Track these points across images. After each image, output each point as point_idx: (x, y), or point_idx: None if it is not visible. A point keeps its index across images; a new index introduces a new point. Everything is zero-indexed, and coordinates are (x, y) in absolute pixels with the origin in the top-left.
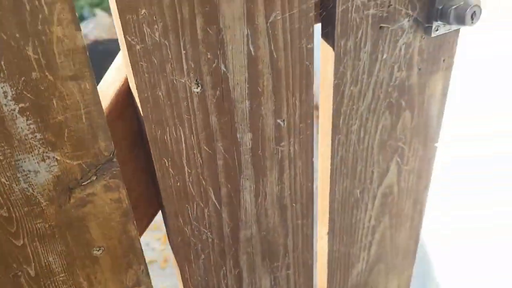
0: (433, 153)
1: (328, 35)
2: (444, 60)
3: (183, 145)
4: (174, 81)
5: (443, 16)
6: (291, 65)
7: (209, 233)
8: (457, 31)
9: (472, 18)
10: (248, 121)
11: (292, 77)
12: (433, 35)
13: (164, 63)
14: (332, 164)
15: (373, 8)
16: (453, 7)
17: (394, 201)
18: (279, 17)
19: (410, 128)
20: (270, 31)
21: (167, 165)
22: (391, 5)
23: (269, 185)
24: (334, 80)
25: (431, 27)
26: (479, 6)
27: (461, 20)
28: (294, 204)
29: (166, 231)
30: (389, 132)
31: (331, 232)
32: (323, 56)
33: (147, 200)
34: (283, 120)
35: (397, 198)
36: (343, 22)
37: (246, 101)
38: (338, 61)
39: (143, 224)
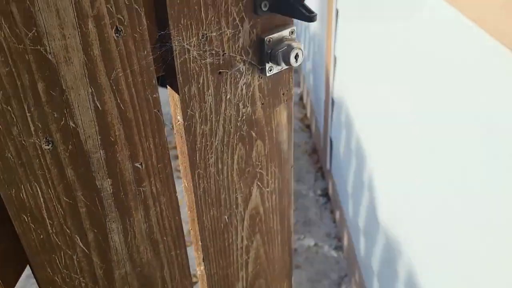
0: (290, 173)
1: (172, 84)
2: (283, 94)
3: (41, 199)
4: (23, 142)
5: (272, 59)
6: (140, 114)
7: (81, 278)
8: (290, 69)
9: (296, 58)
10: (105, 168)
11: (143, 124)
12: (268, 74)
13: (10, 126)
14: (196, 196)
15: (209, 57)
16: (279, 50)
17: (262, 220)
18: (120, 74)
19: (265, 155)
20: (114, 87)
21: (27, 220)
22: (225, 53)
23: (137, 223)
24: (184, 122)
25: (265, 68)
26: (300, 49)
27: (287, 61)
28: (165, 238)
29: (37, 283)
30: (246, 160)
31: (206, 258)
32: (172, 101)
33: (13, 255)
34: (141, 163)
35: (264, 217)
36: (183, 72)
37: (101, 151)
38: (184, 105)
39: (13, 280)
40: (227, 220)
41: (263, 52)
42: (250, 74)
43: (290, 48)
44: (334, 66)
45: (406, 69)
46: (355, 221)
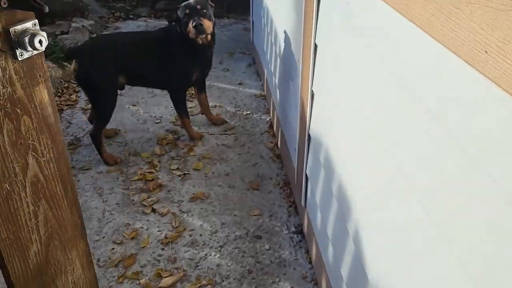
0: (63, 144)
1: None
2: (40, 75)
3: None
4: None
5: (21, 45)
6: None
7: None
8: (40, 54)
9: (40, 43)
10: None
11: None
12: (20, 59)
13: None
14: None
15: None
16: (25, 38)
17: (45, 187)
18: None
19: (34, 128)
20: None
21: None
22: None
23: None
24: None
25: (16, 53)
26: (43, 36)
27: (33, 46)
28: None
29: None
30: (16, 133)
31: None
32: None
33: None
34: None
35: (46, 184)
36: None
37: None
38: None
39: None
40: (8, 188)
41: (11, 41)
42: (4, 59)
43: (34, 36)
44: (312, 101)
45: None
46: (335, 264)
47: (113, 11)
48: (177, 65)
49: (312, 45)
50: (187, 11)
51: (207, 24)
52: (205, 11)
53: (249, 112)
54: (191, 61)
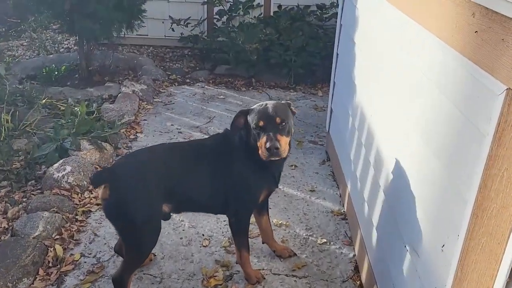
0: None
1: None
2: None
3: None
4: None
5: None
6: None
7: None
8: None
9: None
10: None
11: None
12: None
13: None
14: None
15: None
16: None
17: None
18: None
19: None
20: None
21: None
22: None
23: None
24: None
25: None
26: None
27: None
28: None
29: None
30: None
31: None
32: None
33: None
34: None
35: None
36: None
37: None
38: None
39: None
40: None
41: None
42: None
43: None
44: None
45: None
46: None
47: (169, 73)
48: (240, 182)
49: None
50: (262, 123)
51: (284, 146)
52: (284, 124)
53: (325, 240)
54: (258, 177)
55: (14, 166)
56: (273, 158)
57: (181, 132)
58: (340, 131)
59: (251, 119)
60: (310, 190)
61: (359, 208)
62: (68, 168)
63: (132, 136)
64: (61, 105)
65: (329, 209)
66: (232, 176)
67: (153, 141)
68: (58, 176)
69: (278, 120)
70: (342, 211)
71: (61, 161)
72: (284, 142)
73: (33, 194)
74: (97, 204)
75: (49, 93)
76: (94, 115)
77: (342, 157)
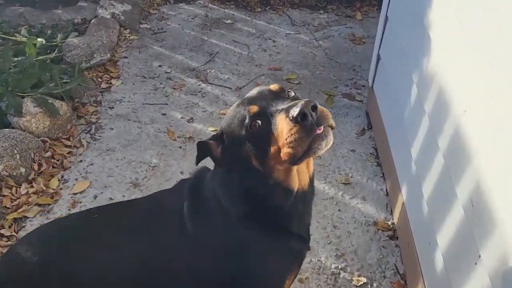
0: None
1: None
2: None
3: None
4: None
5: None
6: None
7: None
8: None
9: None
10: None
11: None
12: None
13: None
14: None
15: None
16: None
17: None
18: None
19: None
20: None
21: None
22: None
23: None
24: None
25: None
26: None
27: None
28: None
29: None
30: None
31: None
32: None
33: None
34: None
35: None
36: None
37: None
38: None
39: None
40: None
41: None
42: None
43: None
44: None
45: None
46: None
47: None
48: (246, 268)
49: None
50: (256, 107)
51: (322, 110)
52: (290, 93)
53: (364, 280)
54: (278, 253)
55: None
56: (312, 150)
57: (170, 79)
58: (392, 95)
59: (232, 128)
60: (344, 183)
61: (421, 225)
62: None
63: (104, 85)
64: (17, 36)
65: (371, 219)
66: (225, 264)
67: (132, 93)
68: None
69: (277, 88)
70: (390, 223)
71: None
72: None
73: None
74: (39, 205)
75: (6, 16)
76: (54, 54)
77: (393, 135)
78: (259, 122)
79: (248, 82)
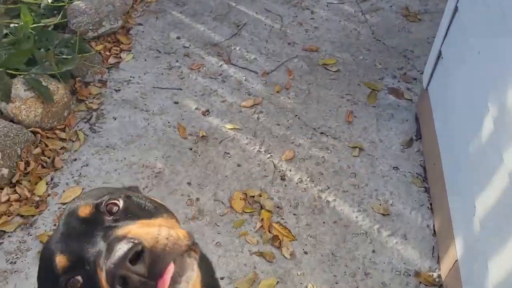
0: None
1: None
2: None
3: None
4: None
5: None
6: None
7: None
8: None
9: None
10: None
11: None
12: None
13: None
14: None
15: None
16: None
17: None
18: None
19: None
20: None
21: None
22: None
23: None
24: None
25: None
26: None
27: None
28: None
29: None
30: None
31: None
32: None
33: None
34: None
35: None
36: None
37: None
38: None
39: None
40: None
41: None
42: None
43: None
44: None
45: None
46: None
47: None
48: None
49: None
50: (64, 262)
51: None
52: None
53: None
54: None
55: None
56: None
57: (188, 56)
58: (454, 108)
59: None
60: (381, 213)
61: None
62: None
63: (112, 60)
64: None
65: (412, 267)
66: None
67: (143, 71)
68: None
69: (89, 212)
70: (435, 276)
71: None
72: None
73: None
74: (21, 216)
75: None
76: (57, 19)
77: (449, 160)
78: (79, 279)
79: (277, 66)
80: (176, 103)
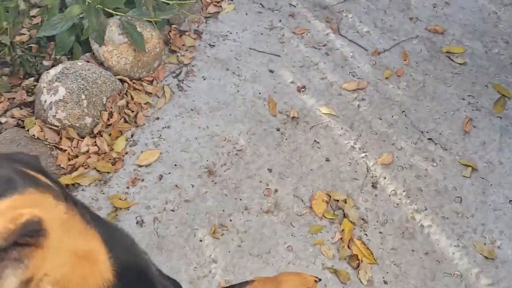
0: None
1: None
2: None
3: None
4: None
5: None
6: None
7: None
8: None
9: None
10: None
11: None
12: None
13: None
14: None
15: None
16: None
17: None
18: None
19: None
20: None
21: None
22: None
23: None
24: None
25: None
26: None
27: None
28: None
29: None
30: None
31: None
32: None
33: None
34: None
35: None
36: None
37: None
38: None
39: None
40: None
41: None
42: None
43: None
44: None
45: None
46: None
47: None
48: None
49: None
50: None
51: None
52: None
53: None
54: None
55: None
56: None
57: (293, 16)
58: None
59: None
60: (485, 256)
61: None
62: (61, 92)
63: (212, 8)
64: None
65: None
66: None
67: (242, 28)
68: (46, 102)
69: None
70: None
71: (55, 70)
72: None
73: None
74: (97, 171)
75: None
76: None
77: None
78: None
79: (392, 46)
80: (271, 71)
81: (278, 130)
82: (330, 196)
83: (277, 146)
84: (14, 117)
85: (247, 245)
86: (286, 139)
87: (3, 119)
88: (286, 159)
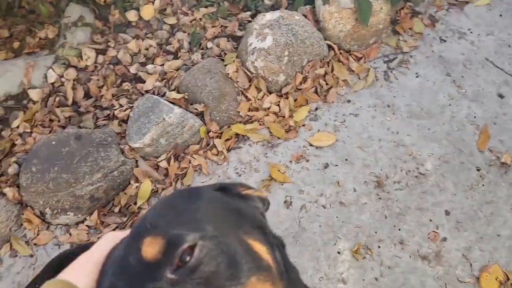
0: None
1: None
2: None
3: None
4: None
5: None
6: None
7: None
8: None
9: None
10: None
11: None
12: None
13: None
14: None
15: None
16: None
17: None
18: None
19: None
20: None
21: None
22: None
23: None
24: None
25: None
26: None
27: None
28: None
29: None
30: None
31: None
32: None
33: None
34: None
35: None
36: None
37: None
38: None
39: None
40: None
41: None
42: None
43: None
44: None
45: None
46: None
47: None
48: None
49: None
50: None
51: None
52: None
53: None
54: None
55: None
56: None
57: None
58: None
59: None
60: None
61: None
62: (268, 41)
63: None
64: None
65: None
66: None
67: (487, 30)
68: (251, 45)
69: (155, 255)
70: None
71: (271, 15)
72: None
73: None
74: (269, 131)
75: None
76: None
77: None
78: None
79: None
80: (500, 96)
81: (479, 170)
82: (509, 278)
83: (468, 189)
84: (219, 47)
85: (385, 283)
86: (483, 185)
87: (209, 44)
88: (473, 209)
